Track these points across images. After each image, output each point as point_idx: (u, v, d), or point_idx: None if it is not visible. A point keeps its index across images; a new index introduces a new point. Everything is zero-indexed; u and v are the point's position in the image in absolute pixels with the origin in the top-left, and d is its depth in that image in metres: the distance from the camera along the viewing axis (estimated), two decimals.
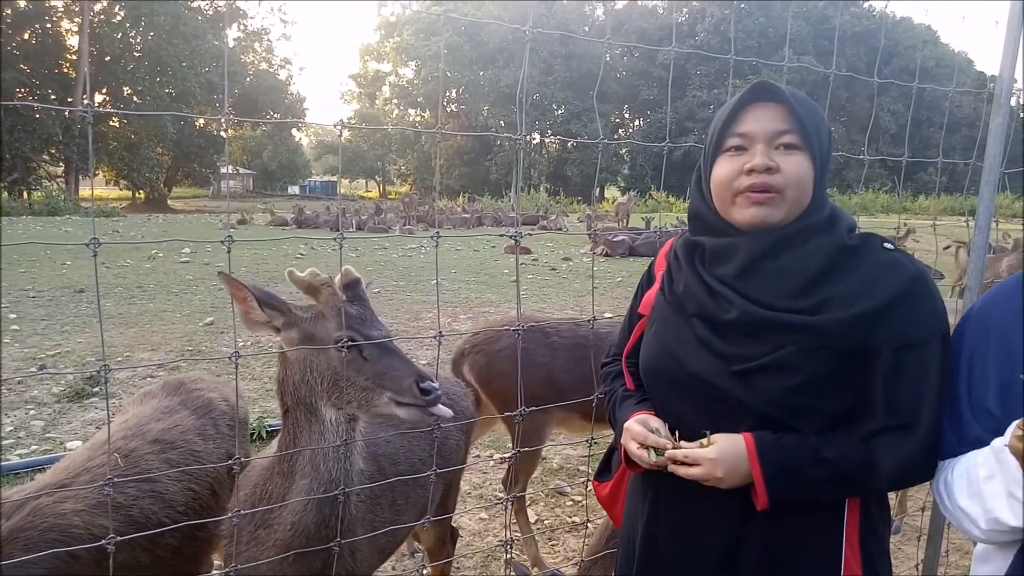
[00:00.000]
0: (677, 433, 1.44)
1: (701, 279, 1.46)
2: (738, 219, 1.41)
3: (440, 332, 1.90)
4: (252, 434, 4.91)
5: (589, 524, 3.98)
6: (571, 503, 4.33)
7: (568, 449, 5.08)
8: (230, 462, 1.64)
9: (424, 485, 2.24)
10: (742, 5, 50.94)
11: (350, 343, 1.68)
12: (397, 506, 2.22)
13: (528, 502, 4.28)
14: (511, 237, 1.74)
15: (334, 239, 1.64)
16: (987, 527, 1.22)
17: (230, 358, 1.56)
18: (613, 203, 34.26)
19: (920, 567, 2.78)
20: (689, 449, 1.37)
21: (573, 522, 4.07)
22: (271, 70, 60.54)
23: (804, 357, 1.32)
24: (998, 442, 1.19)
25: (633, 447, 1.45)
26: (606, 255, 17.35)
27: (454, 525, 3.20)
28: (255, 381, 6.31)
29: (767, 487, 1.32)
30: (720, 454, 1.33)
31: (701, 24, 52.07)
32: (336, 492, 1.77)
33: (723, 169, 1.41)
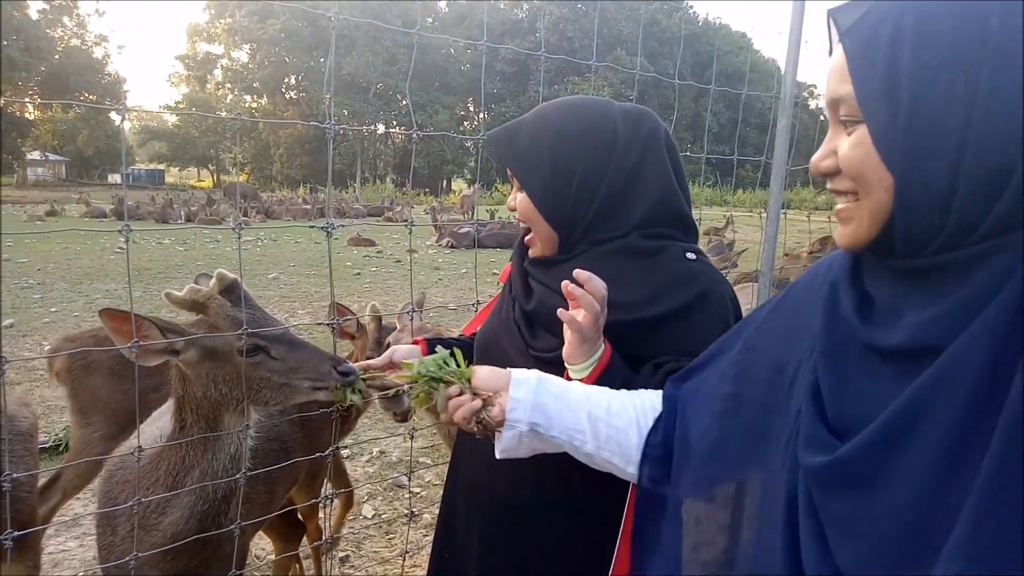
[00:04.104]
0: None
1: (520, 266, 1.53)
2: None
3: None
4: (59, 446, 4.49)
5: (426, 515, 4.01)
6: (409, 495, 4.31)
7: (408, 442, 5.06)
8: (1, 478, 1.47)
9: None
10: (579, 6, 52.78)
11: (255, 348, 1.69)
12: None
13: (366, 497, 4.23)
14: (323, 228, 1.70)
15: (119, 232, 1.51)
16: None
17: None
18: (459, 195, 34.46)
19: None
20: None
21: (413, 513, 4.07)
22: (84, 47, 55.09)
23: None
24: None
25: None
26: (451, 247, 17.42)
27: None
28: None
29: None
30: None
31: (541, 21, 53.44)
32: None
33: None
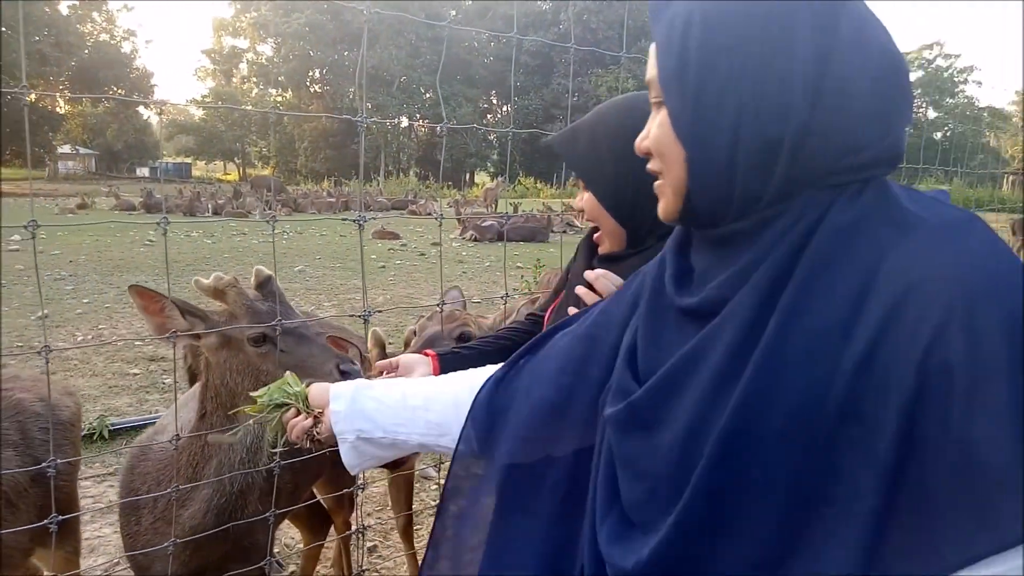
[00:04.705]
0: None
1: (589, 263, 1.60)
2: None
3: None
4: (92, 435, 4.57)
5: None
6: (435, 487, 4.34)
7: None
8: (44, 464, 1.51)
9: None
10: None
11: (263, 338, 1.74)
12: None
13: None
14: (354, 221, 1.72)
15: (157, 224, 1.54)
16: None
17: (40, 352, 1.43)
18: (482, 188, 34.49)
19: None
20: None
21: (438, 506, 4.09)
22: (113, 42, 55.87)
23: None
24: None
25: None
26: (475, 240, 17.44)
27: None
28: (97, 377, 5.86)
29: None
30: None
31: (564, 13, 53.16)
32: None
33: None
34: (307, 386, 1.32)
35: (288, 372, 1.39)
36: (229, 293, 1.79)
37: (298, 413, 1.30)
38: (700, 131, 0.84)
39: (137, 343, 6.58)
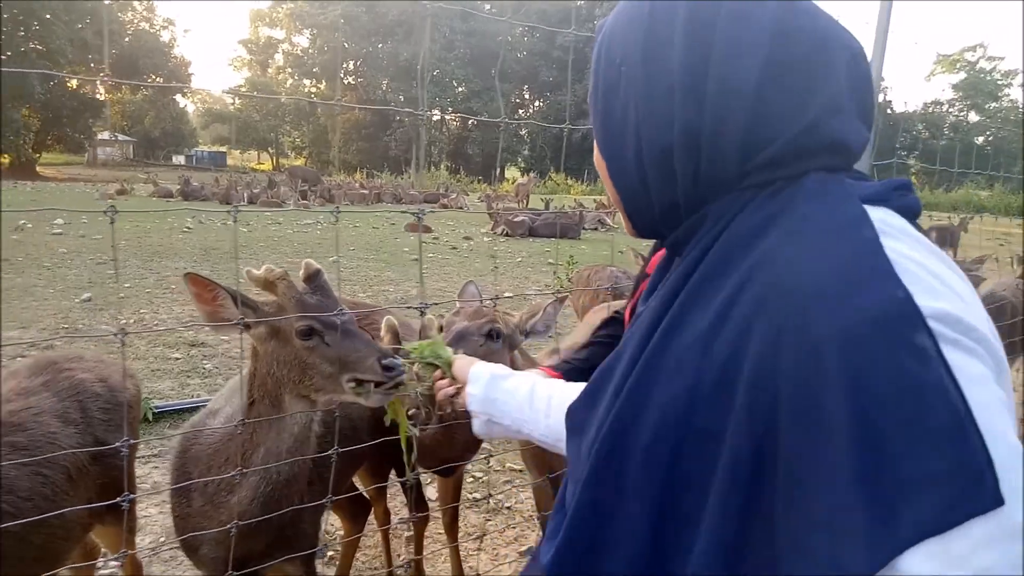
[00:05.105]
0: None
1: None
2: None
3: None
4: (145, 415, 4.67)
5: (490, 499, 4.06)
6: (471, 480, 4.37)
7: None
8: (118, 444, 1.56)
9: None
10: None
11: (311, 332, 1.76)
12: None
13: (429, 480, 4.30)
14: (414, 215, 1.73)
15: (228, 212, 1.57)
16: None
17: (116, 335, 1.47)
18: (513, 183, 34.48)
19: None
20: None
21: (474, 498, 4.12)
22: (152, 30, 56.76)
23: None
24: None
25: None
26: (506, 235, 17.46)
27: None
28: (140, 361, 5.98)
29: None
30: None
31: (600, 8, 52.85)
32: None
33: None
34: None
35: (440, 334, 1.55)
36: (279, 285, 1.82)
37: (443, 376, 1.46)
38: (611, 145, 0.86)
39: (180, 328, 6.71)
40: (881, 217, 0.71)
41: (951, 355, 0.61)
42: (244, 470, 1.83)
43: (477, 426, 1.35)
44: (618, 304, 3.71)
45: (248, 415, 1.87)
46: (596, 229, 19.36)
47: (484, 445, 4.85)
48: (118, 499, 1.57)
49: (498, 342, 2.19)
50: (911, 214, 0.76)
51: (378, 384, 1.69)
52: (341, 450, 1.99)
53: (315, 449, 1.93)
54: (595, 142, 0.91)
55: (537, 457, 2.70)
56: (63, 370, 2.29)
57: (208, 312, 1.75)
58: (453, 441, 2.50)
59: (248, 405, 1.87)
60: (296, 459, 1.88)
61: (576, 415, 0.92)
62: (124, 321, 7.20)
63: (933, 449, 0.58)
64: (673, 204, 0.82)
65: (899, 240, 0.69)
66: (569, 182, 42.35)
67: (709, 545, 0.70)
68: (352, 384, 1.71)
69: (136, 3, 55.57)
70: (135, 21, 55.76)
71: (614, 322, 1.76)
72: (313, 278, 1.89)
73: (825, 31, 0.77)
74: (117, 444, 1.59)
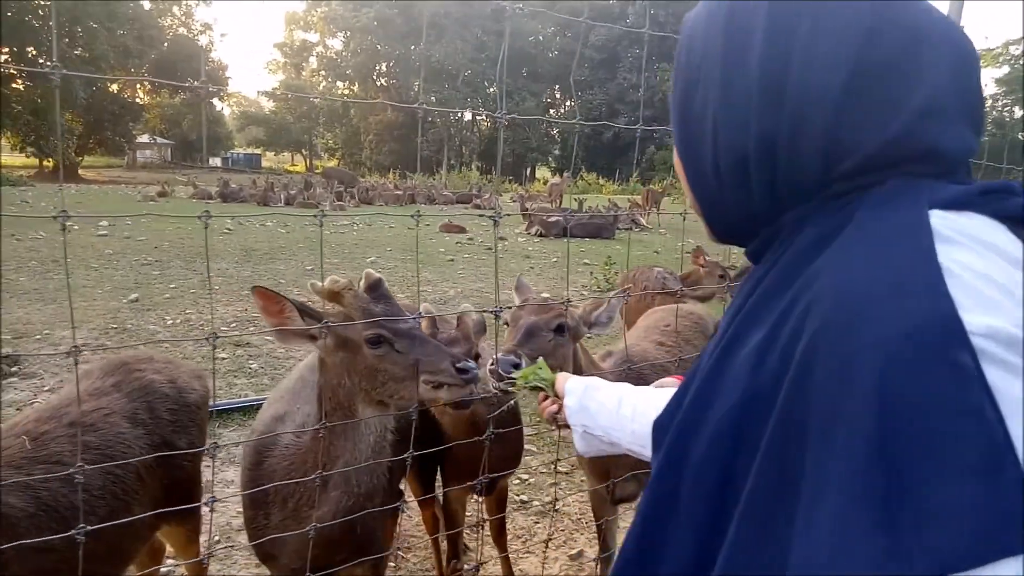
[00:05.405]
0: None
1: None
2: None
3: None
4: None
5: (535, 502, 4.06)
6: (518, 481, 4.37)
7: None
8: (207, 447, 1.58)
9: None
10: None
11: (380, 340, 1.77)
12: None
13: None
14: (491, 218, 1.73)
15: (314, 216, 1.58)
16: None
17: (208, 339, 1.49)
18: (545, 184, 34.46)
19: None
20: None
21: (520, 500, 4.12)
22: (190, 36, 57.78)
23: None
24: None
25: None
26: (541, 235, 17.44)
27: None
28: (188, 361, 6.08)
29: None
30: None
31: (632, 7, 52.56)
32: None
33: None
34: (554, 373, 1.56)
35: (540, 358, 1.65)
36: (345, 296, 1.83)
37: (546, 397, 1.53)
38: (689, 149, 0.84)
39: (223, 328, 6.81)
40: (954, 224, 0.65)
41: (994, 376, 0.55)
42: (324, 480, 1.84)
43: (576, 440, 1.37)
44: (668, 307, 3.68)
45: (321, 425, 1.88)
46: (630, 229, 19.24)
47: (528, 447, 4.87)
48: (202, 501, 1.59)
49: (564, 335, 2.22)
50: (1009, 218, 0.68)
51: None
52: (394, 460, 2.01)
53: (391, 457, 1.94)
54: (674, 145, 0.89)
55: (595, 463, 2.68)
56: (133, 371, 2.33)
57: (276, 323, 1.77)
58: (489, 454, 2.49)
59: (321, 417, 1.88)
60: (374, 469, 1.89)
61: (659, 428, 0.91)
62: (171, 321, 7.34)
63: (959, 481, 0.53)
64: (750, 213, 0.80)
65: (964, 249, 0.63)
66: (600, 182, 42.21)
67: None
68: (429, 386, 1.74)
69: (175, 8, 56.65)
70: (173, 26, 56.83)
71: None
72: (375, 287, 1.90)
73: (921, 27, 0.72)
74: (203, 448, 1.61)
